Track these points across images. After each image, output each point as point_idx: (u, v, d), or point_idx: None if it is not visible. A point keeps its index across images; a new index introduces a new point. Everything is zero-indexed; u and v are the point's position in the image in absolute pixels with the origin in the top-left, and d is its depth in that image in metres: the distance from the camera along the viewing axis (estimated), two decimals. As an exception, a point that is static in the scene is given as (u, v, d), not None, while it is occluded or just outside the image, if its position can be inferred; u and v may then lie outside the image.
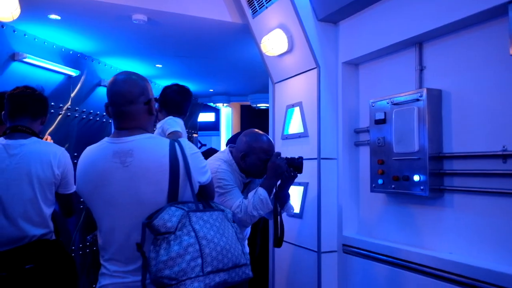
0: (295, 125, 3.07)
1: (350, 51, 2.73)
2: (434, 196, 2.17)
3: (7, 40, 3.46)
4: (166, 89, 2.75)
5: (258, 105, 7.03)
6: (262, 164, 2.20)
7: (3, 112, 2.17)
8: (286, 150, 3.15)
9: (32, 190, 2.03)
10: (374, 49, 2.54)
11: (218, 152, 2.35)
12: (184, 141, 1.51)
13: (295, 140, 3.04)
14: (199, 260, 1.33)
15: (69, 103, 4.13)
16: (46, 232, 2.09)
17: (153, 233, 1.35)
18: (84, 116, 4.31)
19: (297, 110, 3.03)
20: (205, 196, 1.56)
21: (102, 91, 4.57)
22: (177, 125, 2.51)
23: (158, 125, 2.61)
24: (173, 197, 1.43)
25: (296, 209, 2.98)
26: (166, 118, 2.59)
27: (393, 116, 2.34)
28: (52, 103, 3.90)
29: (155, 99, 1.60)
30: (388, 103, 2.40)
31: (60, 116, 4.01)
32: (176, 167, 1.43)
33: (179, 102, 2.69)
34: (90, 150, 1.53)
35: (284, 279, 3.12)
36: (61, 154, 2.15)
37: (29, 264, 1.97)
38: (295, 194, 3.01)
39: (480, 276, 1.85)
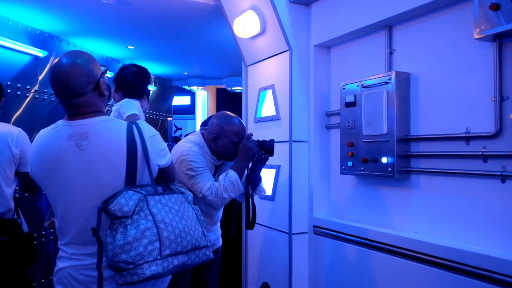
0: (267, 108, 3.07)
1: (322, 34, 2.73)
2: (401, 178, 2.22)
3: (-32, 19, 3.31)
4: (123, 69, 2.59)
5: (233, 88, 6.98)
6: (234, 146, 2.20)
7: None
8: (259, 133, 3.16)
9: None
10: (346, 32, 2.54)
11: (189, 135, 2.33)
12: (142, 123, 1.49)
13: (268, 123, 3.04)
14: (157, 244, 1.32)
15: (37, 85, 4.01)
16: (5, 211, 2.14)
17: (110, 218, 1.34)
18: (53, 99, 4.20)
19: (269, 93, 3.03)
20: (165, 179, 1.55)
21: (71, 73, 4.44)
22: (134, 107, 2.42)
23: (114, 107, 2.51)
24: (131, 180, 1.40)
25: (268, 192, 3.00)
26: (123, 101, 2.48)
27: (363, 99, 2.36)
28: (19, 85, 3.78)
29: (114, 80, 1.53)
30: (358, 86, 2.42)
31: (27, 99, 3.89)
32: (134, 150, 1.40)
33: (136, 84, 2.56)
34: (44, 133, 1.49)
35: (256, 260, 3.16)
36: (18, 133, 2.21)
37: None
38: (267, 176, 3.02)
39: (444, 254, 1.91)
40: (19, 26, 3.79)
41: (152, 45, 4.75)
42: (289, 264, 2.76)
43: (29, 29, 3.90)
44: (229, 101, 8.24)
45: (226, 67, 6.21)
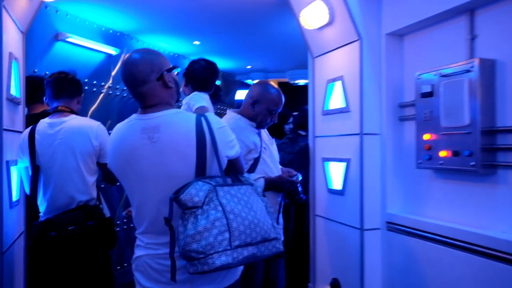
0: (336, 100, 2.99)
1: (394, 22, 2.61)
2: (486, 173, 2.06)
3: (51, 21, 3.54)
4: (193, 63, 2.73)
5: (296, 81, 6.91)
6: (268, 114, 2.33)
7: (44, 96, 2.42)
8: (327, 126, 3.09)
9: (75, 160, 2.25)
10: (421, 19, 2.40)
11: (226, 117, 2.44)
12: (211, 115, 1.51)
13: (336, 115, 2.97)
14: (227, 234, 1.33)
15: (110, 81, 4.21)
16: (89, 199, 2.29)
17: (181, 208, 1.36)
18: (125, 95, 4.39)
19: (338, 84, 2.95)
20: (234, 170, 1.56)
21: (141, 70, 4.62)
22: (203, 100, 2.49)
23: (184, 100, 2.60)
24: (201, 171, 1.43)
25: (338, 186, 2.93)
26: (192, 94, 2.58)
27: (441, 89, 2.22)
28: (94, 82, 3.99)
29: (184, 74, 1.59)
30: (435, 75, 2.28)
31: (101, 95, 4.10)
32: (203, 141, 1.43)
33: (205, 78, 2.65)
34: (120, 127, 1.57)
35: (325, 255, 3.11)
36: (97, 127, 2.35)
37: (72, 226, 2.16)
38: (337, 170, 2.96)
39: (536, 256, 1.75)
40: (95, 26, 3.99)
41: (216, 40, 4.82)
42: (361, 260, 2.68)
43: (103, 29, 4.10)
44: (291, 95, 8.18)
45: (289, 60, 6.17)
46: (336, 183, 2.97)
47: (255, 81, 7.46)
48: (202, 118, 1.47)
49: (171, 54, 5.26)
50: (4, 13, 2.16)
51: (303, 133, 3.69)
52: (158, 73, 1.49)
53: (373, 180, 2.70)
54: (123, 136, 1.51)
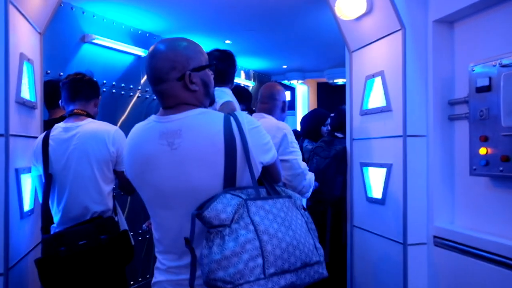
0: (375, 98, 2.68)
1: (443, 7, 2.27)
2: (558, 182, 1.71)
3: (77, 22, 3.45)
4: (207, 55, 2.41)
5: (335, 80, 6.58)
6: None
7: (58, 99, 2.30)
8: (366, 127, 2.79)
9: (91, 168, 2.09)
10: (474, 1, 2.07)
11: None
12: (241, 114, 1.29)
13: (376, 115, 2.66)
14: (260, 260, 1.11)
15: (139, 84, 4.09)
16: (104, 210, 2.13)
17: (206, 226, 1.15)
18: (154, 98, 4.25)
19: (378, 80, 2.64)
20: (270, 179, 1.33)
21: (172, 71, 4.48)
22: (226, 94, 2.21)
23: None
24: (230, 182, 1.21)
25: (378, 194, 2.62)
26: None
27: (502, 82, 1.88)
28: (122, 85, 3.88)
29: (209, 66, 1.35)
30: (494, 66, 1.94)
31: (130, 98, 3.99)
32: (233, 145, 1.21)
33: (222, 69, 2.30)
34: (137, 130, 1.36)
35: (365, 271, 2.80)
36: (115, 132, 2.17)
37: (83, 240, 1.99)
38: (376, 176, 2.65)
39: None
40: (123, 27, 3.89)
41: (249, 39, 4.61)
42: (404, 279, 2.36)
43: (131, 30, 3.99)
44: (331, 95, 7.86)
45: (327, 58, 5.86)
46: (376, 191, 2.66)
47: (292, 82, 7.21)
48: (231, 118, 1.25)
49: (204, 54, 5.10)
50: (15, 12, 2.05)
51: (340, 135, 3.40)
52: (181, 71, 1.28)
53: (418, 188, 2.37)
54: (140, 141, 1.31)
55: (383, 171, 2.58)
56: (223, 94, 2.19)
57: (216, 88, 2.31)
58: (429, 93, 2.37)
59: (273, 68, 6.33)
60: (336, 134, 3.46)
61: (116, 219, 2.21)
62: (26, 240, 2.21)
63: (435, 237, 2.32)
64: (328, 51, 5.31)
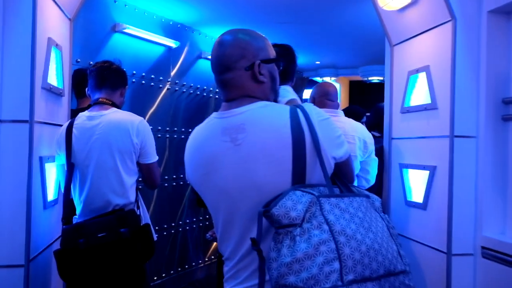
0: (419, 95, 2.49)
1: (500, -4, 2.07)
2: None
3: (109, 11, 3.40)
4: None
5: (370, 78, 6.36)
6: None
7: (86, 88, 2.23)
8: (407, 126, 2.61)
9: (113, 159, 2.02)
10: (539, -11, 1.86)
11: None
12: (309, 105, 1.18)
13: (419, 113, 2.47)
14: (336, 264, 0.98)
15: (170, 76, 4.01)
16: (126, 203, 2.06)
17: (274, 225, 1.04)
18: (184, 90, 4.18)
19: (422, 76, 2.45)
20: (343, 176, 1.20)
21: (203, 64, 4.39)
22: (289, 93, 2.06)
23: None
24: (299, 178, 1.10)
25: (419, 198, 2.44)
26: None
27: None
28: (152, 76, 3.81)
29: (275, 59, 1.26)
30: (561, 60, 1.73)
31: (160, 90, 3.91)
32: (301, 139, 1.11)
33: (283, 66, 2.17)
34: (197, 131, 1.28)
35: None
36: (139, 123, 2.08)
37: (103, 232, 1.91)
38: (418, 179, 2.46)
39: None
40: (154, 17, 3.81)
41: (281, 32, 4.47)
42: (446, 292, 2.17)
43: (162, 20, 3.91)
44: (363, 94, 7.64)
45: (362, 54, 5.67)
46: (417, 195, 2.48)
47: (325, 79, 7.01)
48: (298, 110, 1.15)
49: (235, 48, 4.97)
50: (44, -5, 1.97)
51: (377, 134, 3.22)
52: (250, 60, 1.20)
53: (465, 193, 2.18)
54: (201, 140, 1.23)
55: (425, 173, 2.39)
56: (286, 92, 2.06)
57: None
58: (481, 90, 2.17)
59: (305, 64, 6.17)
60: (373, 132, 3.28)
61: (138, 212, 2.12)
62: (49, 231, 2.15)
63: (483, 248, 2.12)
64: (364, 46, 5.12)
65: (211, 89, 4.51)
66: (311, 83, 7.52)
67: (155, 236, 2.14)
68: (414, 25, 2.50)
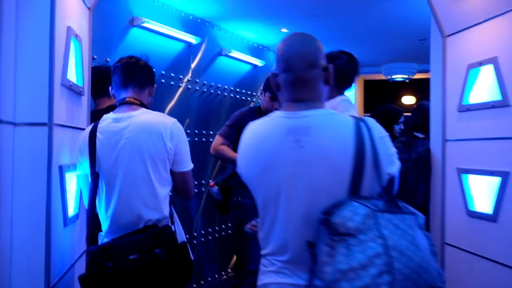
0: (482, 91, 2.20)
1: None
2: None
3: (126, 4, 3.13)
4: (334, 58, 2.12)
5: (394, 76, 6.06)
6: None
7: (110, 86, 1.94)
8: (466, 126, 2.32)
9: (144, 166, 1.75)
10: None
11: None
12: (371, 120, 1.26)
13: (484, 111, 2.18)
14: (387, 277, 1.04)
15: (190, 74, 3.74)
16: (160, 218, 1.78)
17: (329, 232, 1.12)
18: (205, 89, 3.90)
19: (487, 70, 2.16)
20: (390, 192, 1.28)
21: (223, 62, 4.12)
22: (354, 108, 2.08)
23: (327, 105, 2.03)
24: (355, 189, 1.18)
25: (486, 208, 2.15)
26: (340, 99, 2.09)
27: None
28: (172, 74, 3.54)
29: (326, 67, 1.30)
30: None
31: (180, 89, 3.64)
32: (362, 152, 1.18)
33: (352, 76, 2.21)
34: (257, 126, 1.33)
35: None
36: (173, 125, 1.82)
37: (135, 254, 1.65)
38: (482, 186, 2.17)
39: None
40: (173, 11, 3.54)
41: (307, 26, 4.18)
42: (525, 317, 1.88)
43: (182, 14, 3.64)
44: (377, 93, 7.34)
45: (386, 51, 5.40)
46: (481, 204, 2.18)
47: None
48: (362, 124, 1.23)
49: (255, 45, 4.70)
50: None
51: (421, 135, 2.93)
52: (325, 62, 1.31)
53: (547, 203, 1.89)
54: (263, 136, 1.29)
55: (493, 180, 2.10)
56: (349, 106, 2.07)
57: (346, 98, 2.16)
58: None
59: (326, 62, 5.86)
60: (415, 133, 3.00)
61: (173, 228, 1.84)
62: (71, 251, 1.87)
63: None
64: (390, 43, 4.84)
65: (232, 88, 4.23)
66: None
67: (191, 255, 1.86)
68: (475, 12, 2.22)
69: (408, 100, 8.27)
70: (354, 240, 1.07)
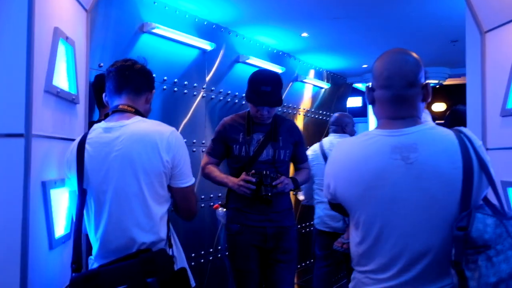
0: (530, 92, 1.91)
1: None
2: None
3: (136, 9, 2.98)
4: None
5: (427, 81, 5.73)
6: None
7: (104, 93, 1.74)
8: (511, 133, 2.02)
9: (137, 182, 1.54)
10: None
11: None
12: (468, 131, 1.28)
13: (533, 116, 1.88)
14: None
15: (205, 83, 3.55)
16: (155, 240, 1.57)
17: (466, 246, 1.12)
18: (221, 98, 3.71)
19: (535, 67, 1.87)
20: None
21: (240, 69, 3.92)
22: (428, 116, 2.18)
23: None
24: (465, 199, 1.20)
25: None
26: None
27: None
28: (185, 82, 3.36)
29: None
30: None
31: (194, 98, 3.46)
32: (469, 162, 1.21)
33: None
34: (352, 146, 1.35)
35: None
36: (171, 134, 1.58)
37: (123, 284, 1.42)
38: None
39: None
40: (187, 16, 3.38)
41: (329, 30, 3.94)
42: None
43: (196, 20, 3.46)
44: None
45: (417, 54, 5.05)
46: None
47: (370, 84, 6.43)
48: (462, 136, 1.26)
49: (275, 51, 4.49)
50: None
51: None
52: (424, 80, 1.32)
53: None
54: (364, 155, 1.29)
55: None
56: (428, 116, 2.10)
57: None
58: None
59: (350, 67, 5.58)
60: (450, 141, 2.69)
61: (170, 252, 1.62)
62: (59, 275, 1.67)
63: None
64: (420, 46, 4.52)
65: (249, 96, 4.02)
66: (354, 91, 6.94)
67: (192, 282, 1.63)
68: (520, 3, 1.93)
69: (439, 107, 7.87)
70: (492, 251, 1.09)
